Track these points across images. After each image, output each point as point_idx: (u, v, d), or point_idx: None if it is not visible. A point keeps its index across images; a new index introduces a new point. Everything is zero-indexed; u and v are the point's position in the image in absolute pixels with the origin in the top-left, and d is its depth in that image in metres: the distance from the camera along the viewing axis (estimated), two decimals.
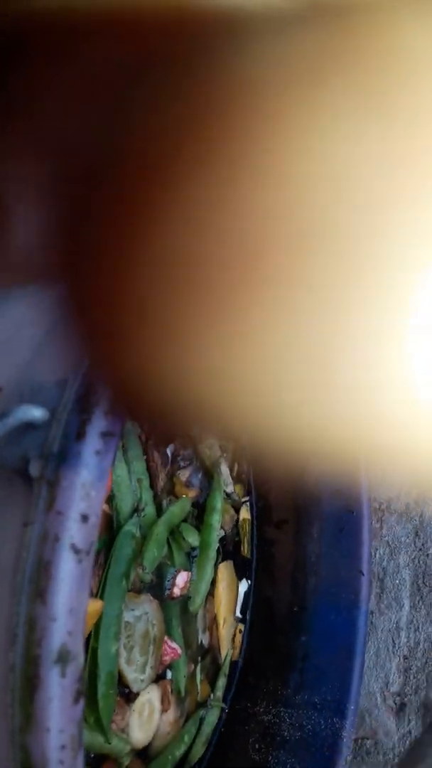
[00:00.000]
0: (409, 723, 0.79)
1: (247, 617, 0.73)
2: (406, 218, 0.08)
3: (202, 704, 0.67)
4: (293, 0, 0.08)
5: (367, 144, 0.08)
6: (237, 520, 0.73)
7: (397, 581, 0.82)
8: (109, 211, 0.09)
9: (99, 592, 0.55)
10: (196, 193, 0.08)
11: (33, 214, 0.10)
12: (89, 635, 0.53)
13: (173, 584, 0.62)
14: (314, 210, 0.08)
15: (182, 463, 0.67)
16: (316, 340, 0.08)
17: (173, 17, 0.09)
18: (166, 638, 0.62)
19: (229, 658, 0.70)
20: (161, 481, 0.63)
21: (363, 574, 0.65)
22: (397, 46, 0.08)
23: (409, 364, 0.08)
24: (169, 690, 0.63)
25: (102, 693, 0.53)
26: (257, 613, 0.73)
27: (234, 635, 0.71)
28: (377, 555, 0.82)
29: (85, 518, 0.39)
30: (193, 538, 0.66)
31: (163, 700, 0.62)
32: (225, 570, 0.70)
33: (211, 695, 0.68)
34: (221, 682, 0.69)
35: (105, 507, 0.57)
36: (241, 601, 0.73)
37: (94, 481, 0.40)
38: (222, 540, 0.70)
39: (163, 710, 0.62)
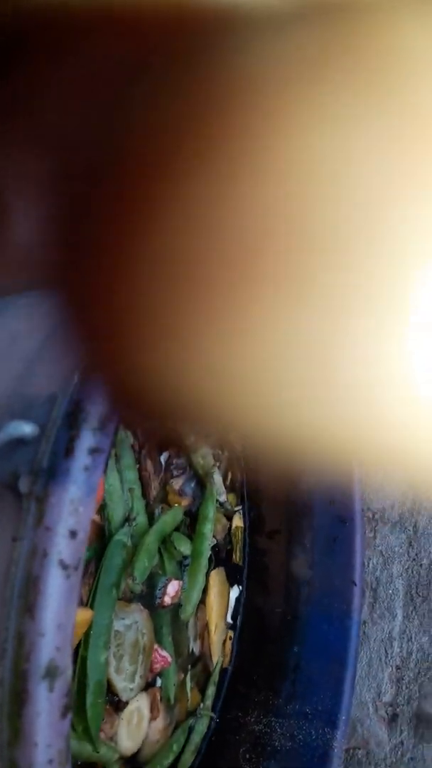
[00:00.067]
0: (401, 733, 0.78)
1: (238, 623, 0.72)
2: (406, 216, 0.08)
3: (192, 713, 0.67)
4: None
5: (367, 142, 0.08)
6: (229, 528, 0.73)
7: (390, 591, 0.82)
8: (109, 208, 0.08)
9: (89, 602, 0.54)
10: (196, 190, 0.08)
11: (33, 211, 0.10)
12: (78, 644, 0.53)
13: (164, 593, 0.62)
14: (314, 207, 0.08)
15: (175, 472, 0.67)
16: (316, 337, 0.08)
17: (173, 14, 0.09)
18: (156, 646, 0.61)
19: (219, 666, 0.69)
20: (153, 490, 0.63)
21: (356, 584, 0.65)
22: (397, 46, 0.08)
23: (409, 362, 0.08)
24: (159, 698, 0.63)
25: (90, 702, 0.52)
26: (249, 622, 0.72)
27: (225, 641, 0.71)
28: (370, 565, 0.82)
29: (73, 534, 0.39)
30: (184, 547, 0.66)
31: (153, 708, 0.61)
32: (216, 577, 0.70)
33: (201, 704, 0.67)
34: (211, 690, 0.68)
35: (96, 516, 0.57)
36: (232, 607, 0.73)
37: (83, 497, 0.40)
38: (214, 548, 0.69)
39: (152, 718, 0.61)
